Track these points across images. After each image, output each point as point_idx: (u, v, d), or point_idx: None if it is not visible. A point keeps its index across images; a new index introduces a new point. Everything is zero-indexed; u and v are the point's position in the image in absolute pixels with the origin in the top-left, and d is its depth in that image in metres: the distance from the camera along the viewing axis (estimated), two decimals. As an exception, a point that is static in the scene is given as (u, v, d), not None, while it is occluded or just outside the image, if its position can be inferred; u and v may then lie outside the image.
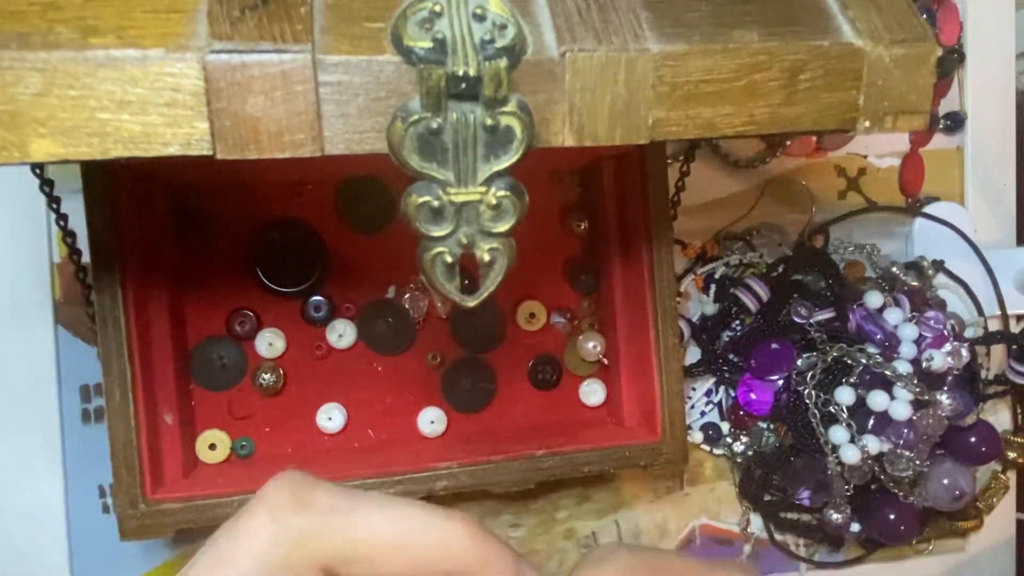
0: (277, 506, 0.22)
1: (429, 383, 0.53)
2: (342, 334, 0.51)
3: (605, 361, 0.54)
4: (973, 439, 0.56)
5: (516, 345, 0.54)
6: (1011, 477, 0.63)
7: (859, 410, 0.53)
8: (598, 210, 0.53)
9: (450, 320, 0.53)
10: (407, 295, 0.52)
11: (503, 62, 0.27)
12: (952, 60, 0.62)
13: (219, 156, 0.27)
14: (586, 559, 0.28)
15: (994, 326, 0.62)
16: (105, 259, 0.41)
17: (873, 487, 0.55)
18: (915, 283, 0.58)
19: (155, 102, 0.26)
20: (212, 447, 0.49)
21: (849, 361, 0.53)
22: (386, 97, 0.27)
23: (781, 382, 0.55)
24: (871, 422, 0.52)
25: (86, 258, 0.42)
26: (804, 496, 0.55)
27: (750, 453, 0.58)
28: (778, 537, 0.61)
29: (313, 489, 0.23)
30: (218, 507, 0.43)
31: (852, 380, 0.53)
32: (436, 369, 0.53)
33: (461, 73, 0.27)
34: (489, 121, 0.27)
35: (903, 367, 0.52)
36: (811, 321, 0.55)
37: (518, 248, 0.30)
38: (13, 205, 0.50)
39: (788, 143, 0.59)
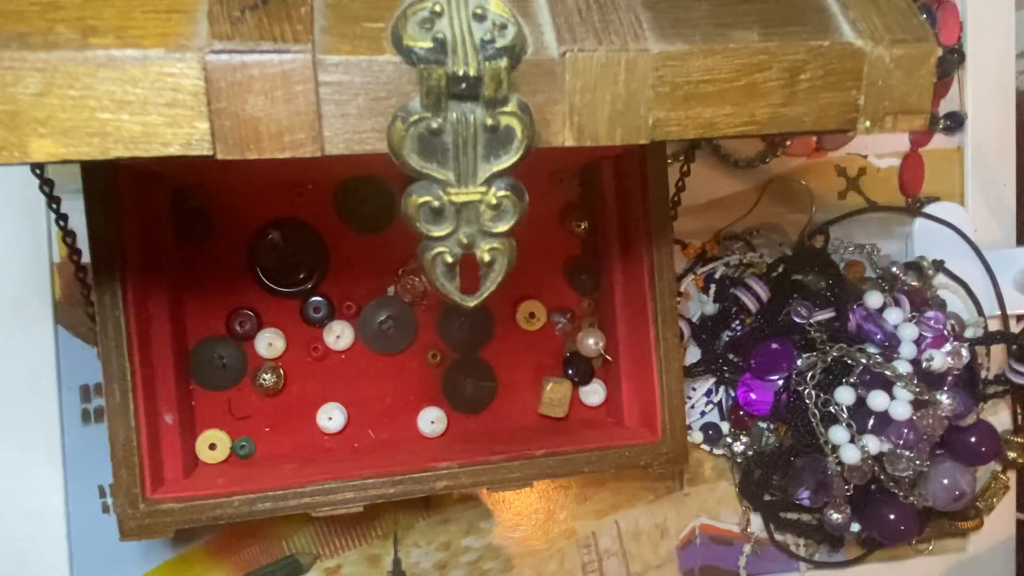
0: None
1: (429, 383, 0.53)
2: (340, 335, 0.51)
3: (608, 357, 0.54)
4: (973, 439, 0.56)
5: (516, 344, 0.54)
6: (1011, 477, 0.63)
7: (859, 410, 0.53)
8: (598, 210, 0.53)
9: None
10: (399, 281, 0.52)
11: (503, 62, 0.27)
12: (952, 60, 0.62)
13: (219, 156, 0.27)
14: None
15: (994, 326, 0.62)
16: (105, 259, 0.41)
17: (873, 487, 0.55)
18: (915, 283, 0.58)
19: (155, 102, 0.26)
20: (212, 447, 0.49)
21: (849, 361, 0.53)
22: (386, 97, 0.27)
23: (781, 382, 0.55)
24: (871, 422, 0.52)
25: (86, 258, 0.42)
26: (804, 496, 0.55)
27: (750, 453, 0.58)
28: (778, 537, 0.61)
29: None
30: (218, 507, 0.43)
31: (852, 380, 0.53)
32: (436, 368, 0.53)
33: (461, 73, 0.27)
34: (489, 121, 0.27)
35: (903, 367, 0.52)
36: (811, 321, 0.55)
37: (518, 248, 0.30)
38: (13, 205, 0.50)
39: (788, 143, 0.59)
